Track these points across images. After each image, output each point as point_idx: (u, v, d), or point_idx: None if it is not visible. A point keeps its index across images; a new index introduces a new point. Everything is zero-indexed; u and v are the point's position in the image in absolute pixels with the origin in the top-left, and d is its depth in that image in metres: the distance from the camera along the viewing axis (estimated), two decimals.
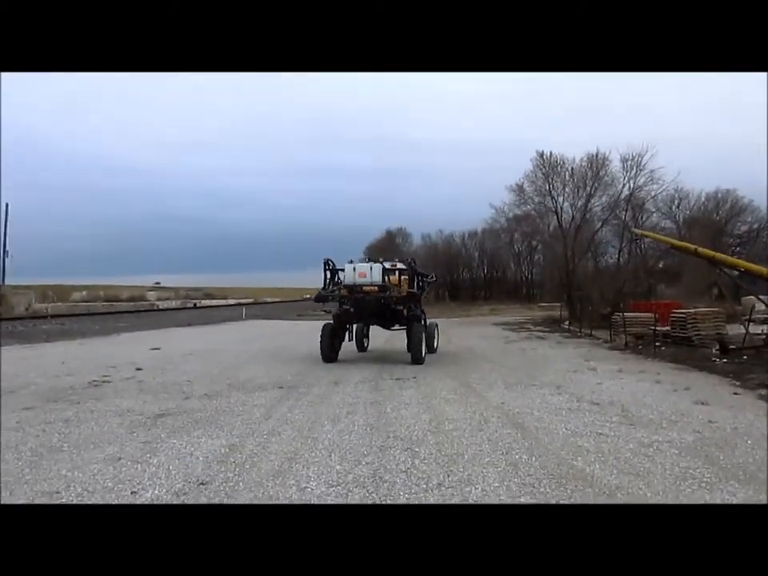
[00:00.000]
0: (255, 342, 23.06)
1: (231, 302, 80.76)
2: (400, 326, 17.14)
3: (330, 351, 15.93)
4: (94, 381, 12.01)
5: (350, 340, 17.58)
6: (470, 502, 5.16)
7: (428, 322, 17.95)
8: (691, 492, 5.31)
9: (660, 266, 40.49)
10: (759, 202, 62.22)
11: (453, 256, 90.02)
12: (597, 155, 34.90)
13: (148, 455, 6.59)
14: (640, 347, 18.58)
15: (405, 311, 16.52)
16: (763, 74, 7.60)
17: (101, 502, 5.16)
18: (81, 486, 5.52)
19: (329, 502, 5.15)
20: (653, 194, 35.71)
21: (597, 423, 8.07)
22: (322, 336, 16.12)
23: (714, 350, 15.98)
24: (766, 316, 21.86)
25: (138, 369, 13.90)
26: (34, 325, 29.89)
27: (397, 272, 16.85)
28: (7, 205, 43.55)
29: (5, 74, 6.83)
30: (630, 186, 34.53)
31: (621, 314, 22.78)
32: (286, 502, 5.16)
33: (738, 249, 56.66)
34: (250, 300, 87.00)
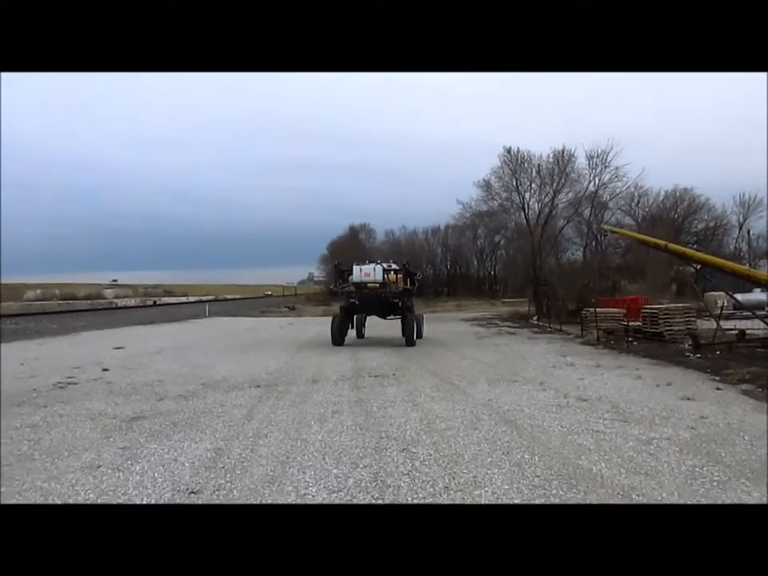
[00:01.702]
0: (222, 339, 22.50)
1: (192, 299, 79.44)
2: (395, 316, 20.40)
3: (339, 336, 19.10)
4: (59, 383, 11.40)
5: (351, 327, 20.97)
6: (471, 502, 5.03)
7: (416, 313, 21.46)
8: (705, 492, 5.14)
9: (620, 262, 41.16)
10: (715, 200, 63.92)
11: (416, 252, 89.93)
12: (563, 151, 35.14)
13: (129, 462, 6.15)
14: (612, 342, 18.68)
15: (400, 304, 19.71)
16: (763, 74, 7.52)
17: (100, 502, 5.07)
18: (60, 499, 5.10)
19: (328, 502, 5.02)
20: (617, 191, 36.04)
21: (590, 420, 7.91)
22: (332, 324, 19.32)
23: (686, 345, 16.12)
24: (730, 312, 22.23)
25: (105, 369, 13.30)
26: None
27: (393, 272, 20.72)
28: None
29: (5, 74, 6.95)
30: (595, 183, 34.88)
31: (590, 309, 22.93)
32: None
33: (695, 246, 58.14)
34: (211, 297, 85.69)
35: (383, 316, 20.87)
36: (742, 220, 65.94)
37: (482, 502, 4.98)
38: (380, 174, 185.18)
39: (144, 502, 5.07)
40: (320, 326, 29.79)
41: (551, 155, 35.59)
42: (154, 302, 65.39)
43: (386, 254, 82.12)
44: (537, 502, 4.96)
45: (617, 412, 8.43)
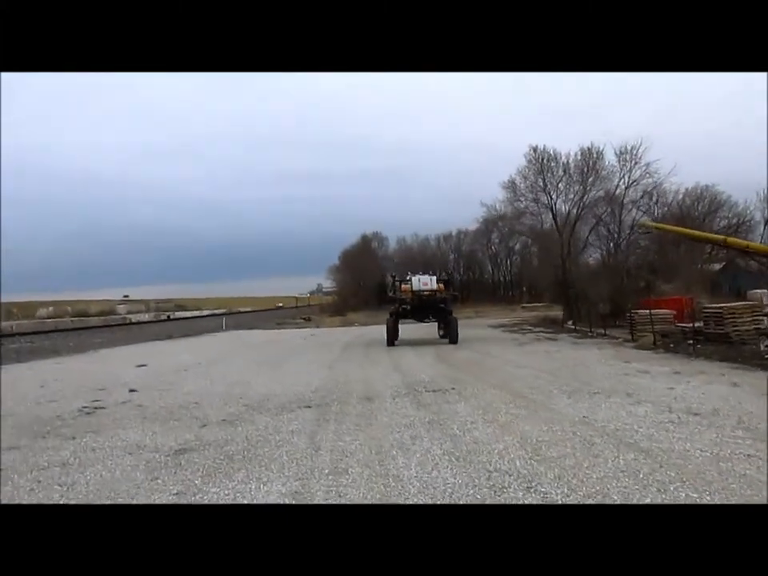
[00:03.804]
0: (247, 353, 21.30)
1: (205, 312, 78.41)
2: (439, 319, 23.89)
3: (393, 338, 22.39)
4: (85, 407, 10.16)
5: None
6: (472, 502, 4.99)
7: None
8: None
9: (652, 261, 39.53)
10: (737, 197, 62.19)
11: (428, 259, 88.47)
12: (590, 149, 33.77)
13: None
14: (671, 345, 17.30)
15: (444, 307, 23.22)
16: (763, 74, 7.78)
17: (100, 502, 5.14)
18: None
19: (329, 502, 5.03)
20: (648, 188, 34.55)
21: (728, 441, 6.57)
22: (387, 328, 22.70)
23: (763, 347, 14.73)
24: None
25: (132, 390, 12.04)
26: (1, 344, 27.50)
27: (441, 281, 24.39)
28: None
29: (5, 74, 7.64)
30: (626, 181, 33.41)
31: (637, 311, 21.59)
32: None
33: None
34: (224, 310, 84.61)
35: (429, 320, 24.25)
36: (767, 215, 64.14)
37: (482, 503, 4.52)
38: (388, 181, 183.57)
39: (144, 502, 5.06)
40: (344, 336, 28.61)
41: (579, 153, 34.26)
42: (168, 317, 64.20)
43: (397, 262, 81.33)
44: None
45: (749, 429, 7.09)
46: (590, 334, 24.23)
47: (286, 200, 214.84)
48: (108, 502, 5.07)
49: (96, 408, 10.09)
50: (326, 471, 5.95)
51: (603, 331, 23.42)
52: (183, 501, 5.20)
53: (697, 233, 21.31)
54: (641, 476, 5.45)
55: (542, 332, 27.25)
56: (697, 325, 17.95)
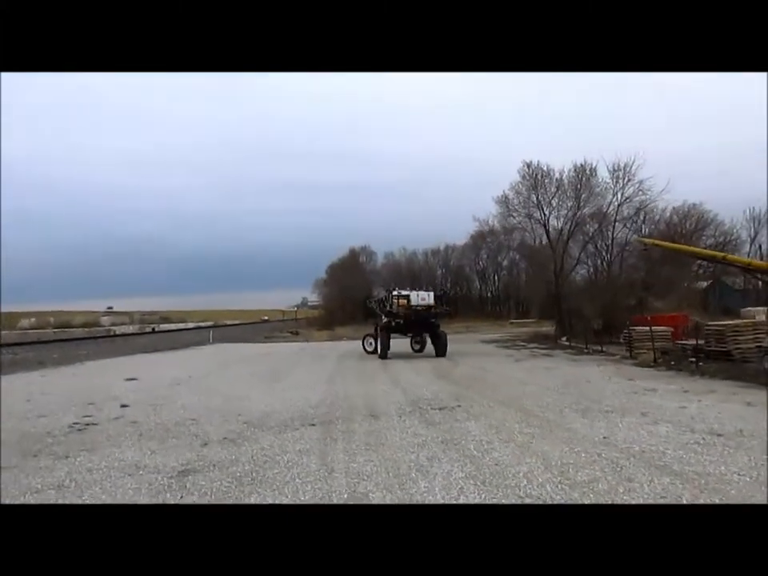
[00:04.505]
0: (238, 367, 20.76)
1: (190, 325, 77.54)
2: (429, 333, 24.50)
3: (386, 351, 23.01)
4: (76, 423, 9.65)
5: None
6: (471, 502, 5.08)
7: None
8: None
9: (643, 278, 39.52)
10: (723, 216, 62.56)
11: (416, 273, 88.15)
12: (584, 165, 33.76)
13: None
14: (672, 363, 17.08)
15: (435, 322, 24.21)
16: (763, 74, 8.02)
17: (100, 502, 5.18)
18: None
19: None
20: (641, 205, 34.49)
21: (764, 464, 6.28)
22: (381, 341, 23.55)
23: (767, 365, 14.52)
24: None
25: (124, 405, 11.52)
26: None
27: (435, 297, 25.29)
28: None
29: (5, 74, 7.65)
30: (618, 198, 33.35)
31: (634, 328, 21.40)
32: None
33: (702, 263, 56.76)
34: (210, 323, 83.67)
35: (419, 333, 25.12)
36: (753, 234, 64.62)
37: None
38: (376, 194, 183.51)
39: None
40: (334, 350, 28.11)
41: (572, 169, 34.22)
42: (153, 329, 63.21)
43: (384, 276, 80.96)
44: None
45: None
46: (585, 350, 23.98)
47: (270, 212, 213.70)
48: (108, 503, 5.07)
49: (88, 424, 9.58)
50: (345, 496, 5.55)
51: (600, 348, 23.17)
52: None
53: (696, 249, 21.26)
54: (685, 503, 5.11)
55: (537, 348, 26.97)
56: (691, 342, 17.76)
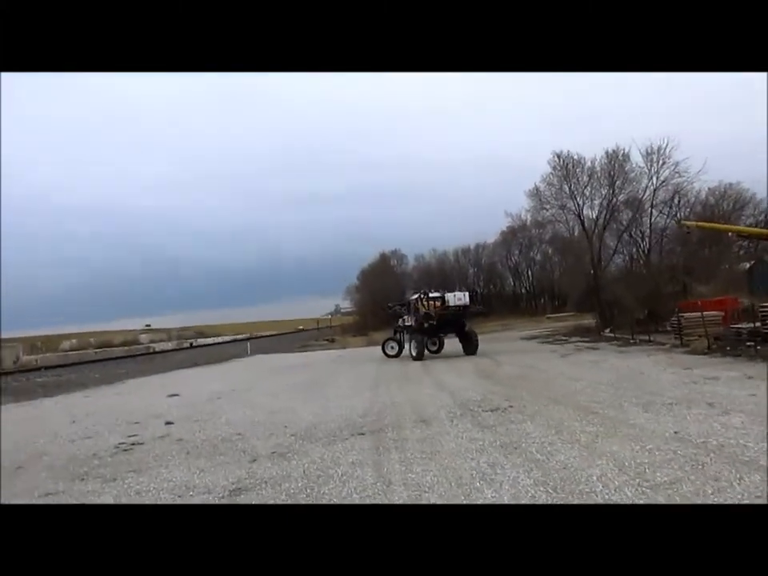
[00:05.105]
0: (278, 377, 20.57)
1: (227, 338, 78.08)
2: (460, 332, 24.81)
3: (423, 353, 23.37)
4: (121, 444, 9.48)
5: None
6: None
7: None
8: None
9: (684, 263, 38.37)
10: (761, 194, 60.58)
11: (447, 273, 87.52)
12: (616, 152, 32.85)
13: None
14: (728, 348, 16.35)
15: (465, 321, 24.72)
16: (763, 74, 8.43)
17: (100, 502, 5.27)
18: None
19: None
20: (678, 188, 33.49)
21: None
22: (417, 344, 23.60)
23: None
24: None
25: (168, 423, 11.37)
26: (27, 378, 27.10)
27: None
28: None
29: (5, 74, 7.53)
30: (654, 182, 32.38)
31: (683, 315, 20.63)
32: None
33: (743, 243, 55.01)
34: (245, 335, 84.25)
35: (451, 333, 25.44)
36: None
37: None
38: (400, 198, 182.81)
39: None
40: (372, 356, 27.67)
41: (604, 156, 33.35)
42: (191, 344, 63.76)
43: (416, 278, 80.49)
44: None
45: None
46: (631, 341, 23.24)
47: (298, 224, 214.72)
48: (107, 503, 5.16)
49: (134, 444, 9.41)
50: None
51: (648, 337, 22.42)
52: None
53: (746, 229, 20.43)
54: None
55: (580, 341, 26.29)
56: (753, 325, 16.97)
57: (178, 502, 6.02)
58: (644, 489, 5.24)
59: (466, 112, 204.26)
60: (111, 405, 15.53)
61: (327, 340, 56.71)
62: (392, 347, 26.07)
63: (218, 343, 65.55)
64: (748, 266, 50.35)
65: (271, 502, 5.77)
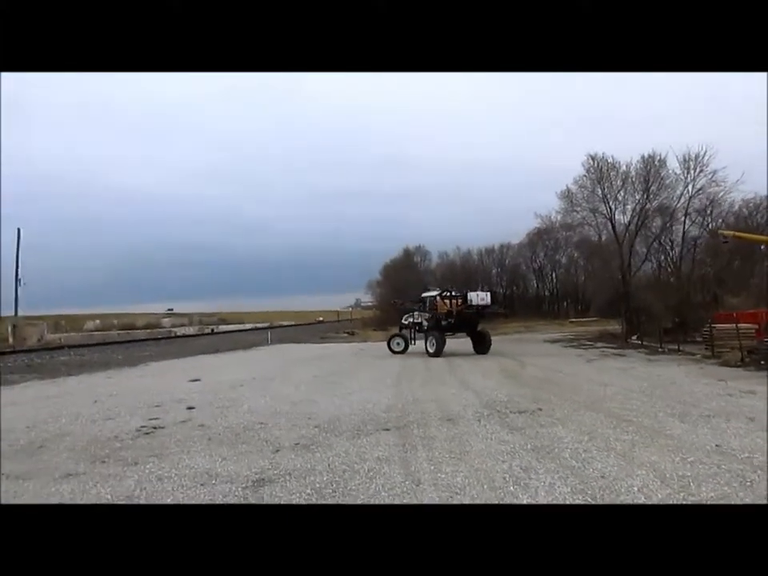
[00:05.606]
0: (301, 368, 20.38)
1: (248, 326, 78.40)
2: (473, 331, 25.06)
3: (441, 350, 23.26)
4: (143, 427, 9.38)
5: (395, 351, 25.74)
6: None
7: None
8: None
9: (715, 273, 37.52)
10: None
11: (471, 273, 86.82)
12: (652, 157, 32.11)
13: None
14: (762, 362, 15.85)
15: (479, 321, 25.28)
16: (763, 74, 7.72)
17: (100, 502, 5.17)
18: None
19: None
20: (714, 197, 32.66)
21: None
22: (436, 341, 23.38)
23: None
24: None
25: (190, 407, 11.26)
26: (51, 356, 27.31)
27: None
28: (19, 230, 40.33)
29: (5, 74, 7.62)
30: (690, 190, 31.58)
31: (714, 325, 20.10)
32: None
33: None
34: (266, 324, 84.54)
35: (466, 331, 25.30)
36: None
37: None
38: (427, 197, 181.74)
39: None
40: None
41: (640, 161, 32.63)
42: (212, 330, 64.16)
43: (438, 276, 79.98)
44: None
45: None
46: (660, 349, 22.72)
47: (323, 218, 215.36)
48: (107, 503, 5.06)
49: (155, 428, 9.29)
50: None
51: (677, 347, 21.90)
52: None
53: None
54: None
55: (606, 347, 25.79)
56: None
57: (201, 490, 5.86)
58: (691, 504, 4.96)
59: (500, 113, 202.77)
60: (134, 387, 15.50)
61: (348, 332, 56.57)
62: (398, 343, 25.96)
63: (239, 330, 65.74)
64: None
65: (296, 495, 5.59)
